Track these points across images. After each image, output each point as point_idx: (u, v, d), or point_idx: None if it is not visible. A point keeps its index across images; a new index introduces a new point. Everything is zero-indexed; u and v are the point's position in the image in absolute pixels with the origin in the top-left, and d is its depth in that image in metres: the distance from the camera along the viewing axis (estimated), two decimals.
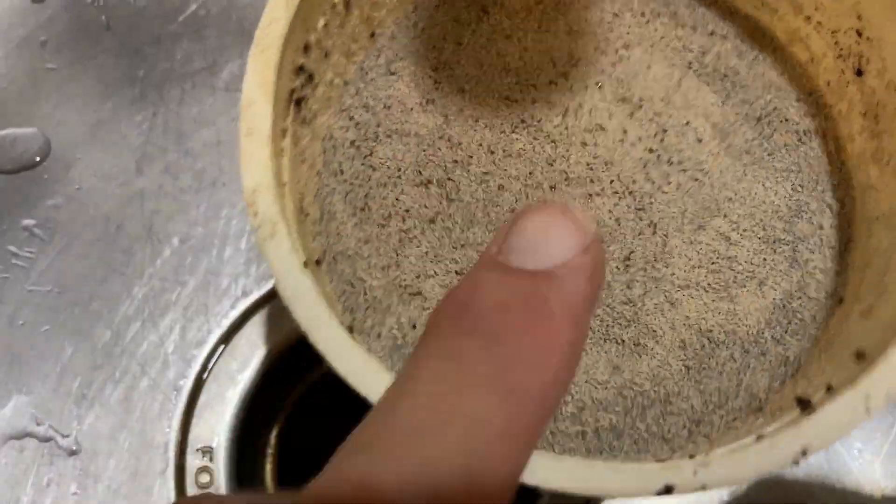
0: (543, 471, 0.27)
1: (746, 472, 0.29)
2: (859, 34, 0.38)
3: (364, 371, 0.29)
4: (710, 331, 0.37)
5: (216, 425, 0.54)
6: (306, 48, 0.36)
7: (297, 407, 0.60)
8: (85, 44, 0.61)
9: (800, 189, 0.39)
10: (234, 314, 0.56)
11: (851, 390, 0.30)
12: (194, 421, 0.54)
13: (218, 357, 0.55)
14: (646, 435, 0.35)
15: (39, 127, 0.59)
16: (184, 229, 0.57)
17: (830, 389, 0.32)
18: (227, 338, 0.55)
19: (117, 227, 0.57)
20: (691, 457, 0.30)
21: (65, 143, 0.58)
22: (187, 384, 0.54)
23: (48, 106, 0.59)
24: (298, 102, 0.36)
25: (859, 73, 0.39)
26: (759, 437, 0.31)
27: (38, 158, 0.58)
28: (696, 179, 0.39)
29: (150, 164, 0.58)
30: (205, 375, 0.54)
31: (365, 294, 0.37)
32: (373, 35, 0.41)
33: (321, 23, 0.36)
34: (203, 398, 0.55)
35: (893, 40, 0.36)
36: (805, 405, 0.32)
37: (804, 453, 0.29)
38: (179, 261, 0.56)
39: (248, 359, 0.55)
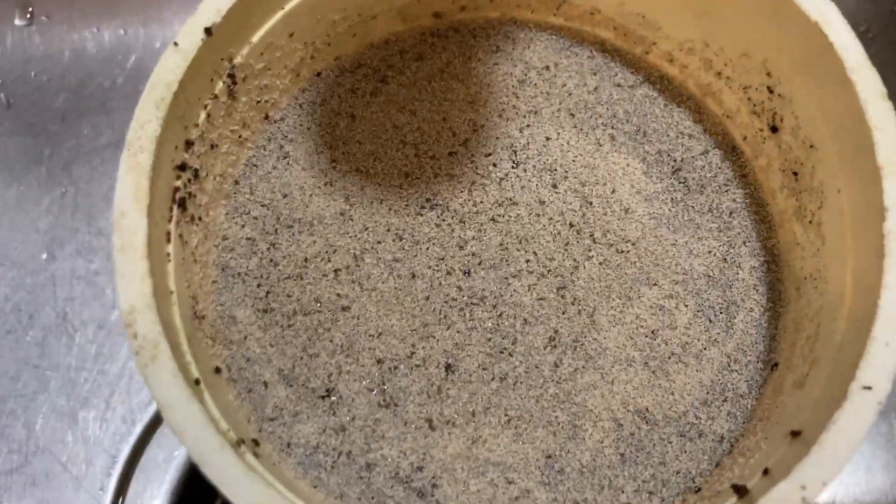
0: None
1: None
2: (770, 91, 0.37)
3: (262, 503, 0.27)
4: (647, 410, 0.35)
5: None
6: (188, 144, 0.33)
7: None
8: None
9: (729, 251, 0.38)
10: None
11: (787, 480, 0.28)
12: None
13: (145, 447, 0.52)
14: None
15: None
16: (100, 314, 0.54)
17: (767, 473, 0.30)
18: (153, 426, 0.52)
19: (29, 317, 0.54)
20: None
21: None
22: (113, 480, 0.52)
23: None
24: (183, 202, 0.33)
25: (774, 129, 0.37)
26: None
27: None
28: (622, 252, 0.37)
29: (60, 247, 0.56)
30: (132, 469, 0.52)
31: (272, 401, 0.34)
32: (267, 117, 0.38)
33: (202, 116, 0.34)
34: (131, 493, 0.52)
35: (804, 97, 0.35)
36: (741, 492, 0.31)
37: None
38: (98, 349, 0.53)
39: (176, 446, 0.53)
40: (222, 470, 0.27)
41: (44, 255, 0.56)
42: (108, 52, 0.60)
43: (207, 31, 0.32)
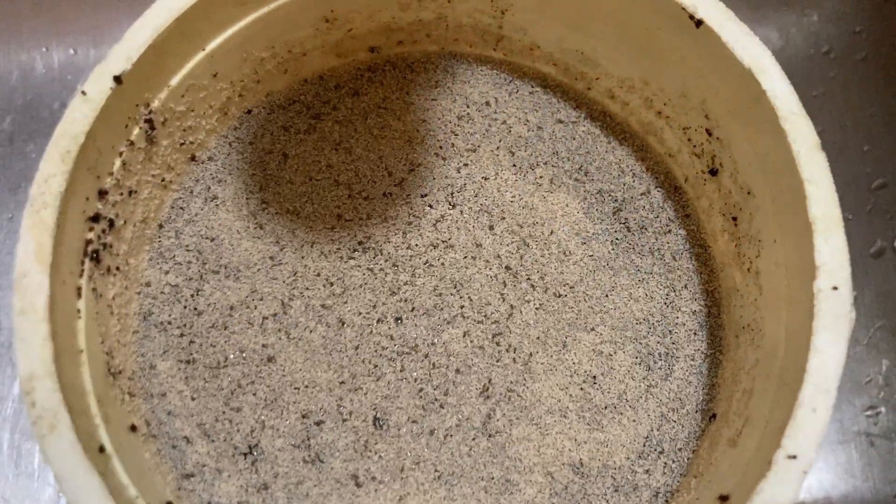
0: None
1: None
2: (709, 133, 0.35)
3: None
4: (581, 463, 0.34)
5: None
6: (102, 193, 0.32)
7: None
8: None
9: (670, 295, 0.37)
10: None
11: None
12: None
13: None
14: None
15: None
16: None
17: None
18: None
19: None
20: None
21: None
22: None
23: None
24: (96, 254, 0.32)
25: (713, 172, 0.36)
26: None
27: None
28: (560, 296, 0.36)
29: (4, 273, 0.54)
30: None
31: (193, 456, 0.33)
32: (193, 158, 0.37)
33: (117, 164, 0.32)
34: None
35: (741, 143, 0.33)
36: None
37: None
38: None
39: None
40: None
41: None
42: (57, 73, 0.59)
43: (117, 79, 0.31)
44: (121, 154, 0.32)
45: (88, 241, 0.32)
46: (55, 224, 0.29)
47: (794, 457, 0.27)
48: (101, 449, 0.29)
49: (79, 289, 0.31)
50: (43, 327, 0.28)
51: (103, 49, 0.59)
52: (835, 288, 0.28)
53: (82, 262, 0.31)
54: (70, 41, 0.59)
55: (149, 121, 0.33)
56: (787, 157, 0.30)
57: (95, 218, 0.32)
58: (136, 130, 0.33)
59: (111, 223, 0.33)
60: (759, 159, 0.32)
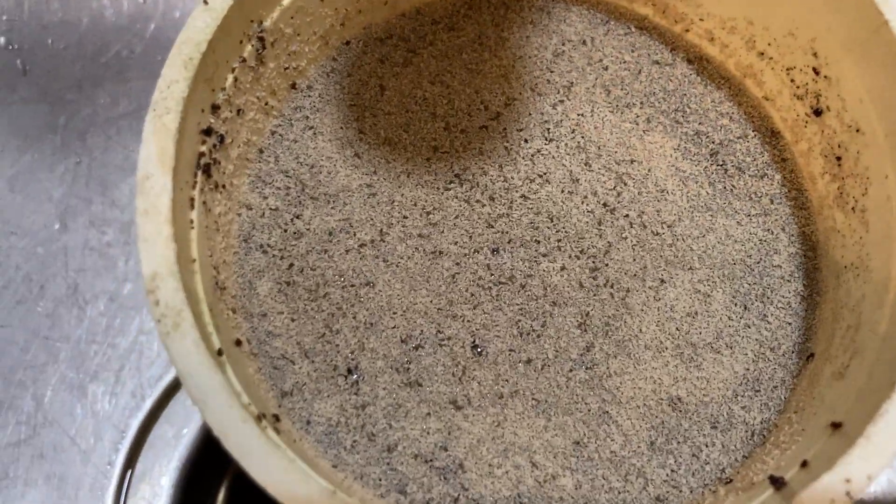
0: None
1: None
2: (816, 72, 0.35)
3: (287, 480, 0.26)
4: (679, 399, 0.34)
5: (154, 497, 0.50)
6: (214, 108, 0.32)
7: (239, 474, 0.56)
8: (0, 91, 0.57)
9: (767, 237, 0.37)
10: (169, 376, 0.52)
11: (831, 473, 0.27)
12: (130, 494, 0.50)
13: (154, 423, 0.51)
14: None
15: None
16: (112, 287, 0.53)
17: (805, 465, 0.29)
18: (162, 402, 0.52)
19: (40, 287, 0.53)
20: None
21: None
22: (121, 455, 0.51)
23: None
24: (208, 168, 0.32)
25: (818, 112, 0.36)
26: None
27: None
28: (657, 234, 0.36)
29: (73, 217, 0.55)
30: (140, 445, 0.51)
31: (293, 376, 0.33)
32: (294, 86, 0.37)
33: (230, 80, 0.33)
34: (139, 468, 0.51)
35: (851, 78, 0.33)
36: (779, 484, 0.30)
37: None
38: (108, 322, 0.52)
39: (185, 423, 0.52)
40: (244, 444, 0.26)
41: (56, 225, 0.55)
42: (126, 21, 0.59)
43: None
44: (233, 70, 0.33)
45: (201, 154, 0.32)
46: (177, 129, 0.29)
47: None
48: (220, 352, 0.29)
49: (192, 199, 0.31)
50: (166, 228, 0.28)
51: None
52: None
53: (195, 174, 0.31)
54: None
55: (261, 38, 0.33)
56: None
57: (208, 131, 0.32)
58: (248, 48, 0.33)
59: (221, 139, 0.33)
60: (871, 94, 0.32)
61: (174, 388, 0.52)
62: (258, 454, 0.26)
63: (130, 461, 0.52)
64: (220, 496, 0.54)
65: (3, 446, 0.50)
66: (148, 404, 0.52)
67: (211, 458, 0.54)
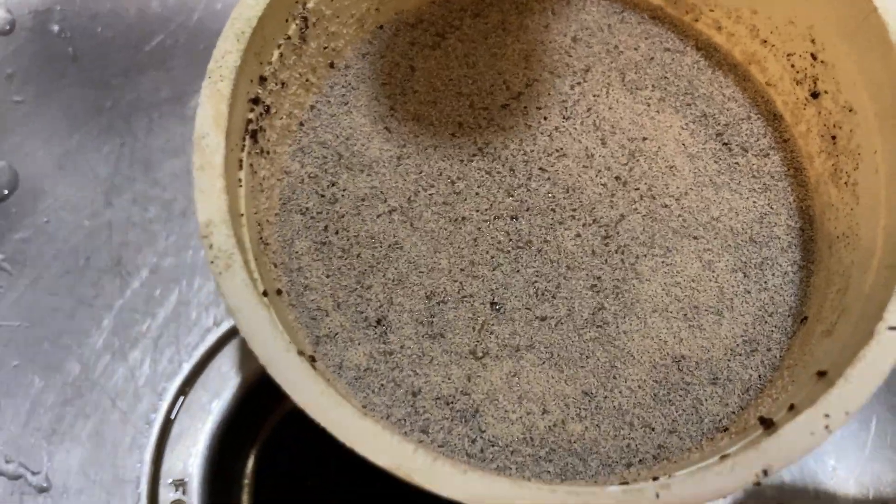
0: (504, 496, 0.27)
1: (708, 493, 0.29)
2: (814, 57, 0.38)
3: (323, 403, 0.29)
4: (682, 357, 0.37)
5: (189, 457, 0.53)
6: (262, 80, 0.35)
7: (272, 436, 0.59)
8: (52, 75, 0.60)
9: (768, 211, 0.39)
10: (206, 345, 0.55)
11: (811, 409, 0.29)
12: (167, 453, 0.53)
13: (190, 388, 0.54)
14: (612, 457, 0.35)
15: (7, 160, 0.59)
16: (153, 260, 0.56)
17: (793, 408, 0.32)
18: (198, 369, 0.55)
19: (86, 259, 0.56)
20: (654, 479, 0.30)
21: (33, 176, 0.58)
22: (159, 416, 0.54)
23: (15, 139, 0.59)
24: (255, 134, 0.35)
25: (815, 95, 0.39)
26: (723, 458, 0.31)
27: (6, 192, 0.58)
28: (666, 206, 0.39)
29: (118, 195, 0.58)
30: (176, 407, 0.54)
31: (327, 326, 0.36)
32: (332, 65, 0.41)
33: (276, 55, 0.36)
34: (175, 430, 0.54)
35: (845, 62, 0.36)
36: (767, 424, 0.32)
37: (765, 473, 0.29)
38: (149, 292, 0.56)
39: (220, 389, 0.55)
40: (287, 371, 0.29)
41: (102, 202, 0.58)
42: (170, 12, 0.62)
43: None
44: (279, 46, 0.36)
45: (249, 121, 0.35)
46: (230, 95, 0.32)
47: (895, 328, 0.30)
48: (265, 293, 0.32)
49: (240, 161, 0.34)
50: (219, 181, 0.31)
51: None
52: None
53: (244, 139, 0.35)
54: None
55: (304, 18, 0.37)
56: (894, 70, 0.33)
57: (256, 101, 0.35)
58: (293, 27, 0.36)
59: (267, 109, 0.36)
60: (863, 76, 0.35)
61: (211, 355, 0.55)
62: (298, 379, 0.29)
63: (168, 422, 0.54)
64: (252, 458, 0.57)
65: (51, 405, 0.53)
66: (185, 369, 0.55)
67: (244, 422, 0.57)
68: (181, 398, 0.54)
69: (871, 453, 0.53)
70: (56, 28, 0.61)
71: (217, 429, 0.55)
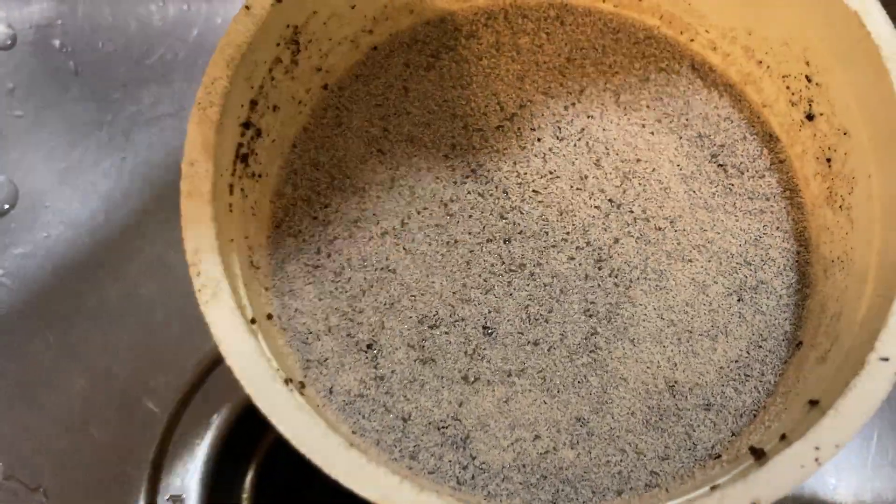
0: None
1: None
2: (808, 79, 0.38)
3: (308, 434, 0.29)
4: (676, 383, 0.36)
5: (187, 472, 0.53)
6: (253, 104, 0.35)
7: (271, 452, 0.59)
8: (53, 90, 0.60)
9: (763, 234, 0.39)
10: (205, 359, 0.55)
11: (801, 441, 0.29)
12: (165, 468, 0.53)
13: (189, 403, 0.54)
14: (604, 484, 0.35)
15: (7, 175, 0.59)
16: (153, 275, 0.56)
17: (784, 438, 0.32)
18: (198, 383, 0.55)
19: (86, 273, 0.56)
20: None
21: (33, 191, 0.58)
22: (158, 431, 0.54)
23: (16, 153, 0.59)
24: (245, 157, 0.35)
25: (810, 117, 0.38)
26: (713, 488, 0.31)
27: (6, 206, 0.58)
28: (660, 229, 0.39)
29: (118, 209, 0.58)
30: (176, 421, 0.54)
31: (318, 350, 0.36)
32: (325, 87, 0.41)
33: (267, 78, 0.36)
34: (174, 445, 0.54)
35: (840, 85, 0.36)
36: (758, 454, 0.32)
37: None
38: (149, 306, 0.56)
39: (219, 404, 0.55)
40: (273, 402, 0.29)
41: (102, 217, 0.58)
42: (171, 26, 0.62)
43: None
44: (270, 70, 0.36)
45: (240, 145, 0.35)
46: (219, 121, 0.32)
47: (887, 359, 0.29)
48: (253, 321, 0.32)
49: (230, 186, 0.34)
50: (208, 209, 0.31)
51: (215, 5, 0.63)
52: None
53: (234, 163, 0.35)
54: None
55: (296, 41, 0.37)
56: (888, 94, 0.32)
57: (247, 125, 0.35)
58: (284, 50, 0.36)
59: (258, 132, 0.36)
60: (857, 100, 0.35)
61: (210, 369, 0.55)
62: (284, 410, 0.29)
63: (166, 436, 0.54)
64: (251, 473, 0.57)
65: (50, 419, 0.53)
66: (185, 384, 0.55)
67: (243, 437, 0.57)
68: (180, 412, 0.54)
69: (872, 471, 0.53)
70: (57, 43, 0.61)
71: (216, 443, 0.55)
